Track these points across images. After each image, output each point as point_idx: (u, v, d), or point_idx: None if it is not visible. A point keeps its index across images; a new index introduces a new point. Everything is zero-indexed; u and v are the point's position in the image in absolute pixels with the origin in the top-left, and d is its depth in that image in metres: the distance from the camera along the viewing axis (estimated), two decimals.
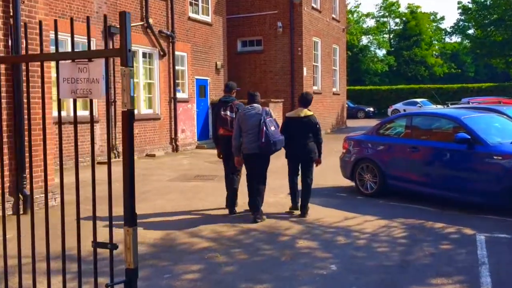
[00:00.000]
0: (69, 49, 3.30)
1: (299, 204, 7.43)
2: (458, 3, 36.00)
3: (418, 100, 34.52)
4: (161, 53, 16.12)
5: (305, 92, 7.79)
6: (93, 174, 3.19)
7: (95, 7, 13.67)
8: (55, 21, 3.10)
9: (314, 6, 22.71)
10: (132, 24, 14.85)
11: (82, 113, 13.41)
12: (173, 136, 16.69)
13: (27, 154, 7.38)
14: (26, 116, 7.20)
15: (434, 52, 61.54)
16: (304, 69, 21.54)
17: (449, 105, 12.78)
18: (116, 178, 9.94)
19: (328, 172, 10.89)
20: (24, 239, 3.25)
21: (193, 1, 17.81)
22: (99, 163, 13.48)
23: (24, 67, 6.86)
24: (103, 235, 3.80)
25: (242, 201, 7.86)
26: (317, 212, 7.61)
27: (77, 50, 3.15)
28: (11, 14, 7.47)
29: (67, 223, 3.14)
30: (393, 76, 55.49)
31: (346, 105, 29.05)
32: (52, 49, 11.79)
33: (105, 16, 3.29)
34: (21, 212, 7.11)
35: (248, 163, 7.15)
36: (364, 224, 6.76)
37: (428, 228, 6.56)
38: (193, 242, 6.01)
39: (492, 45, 30.78)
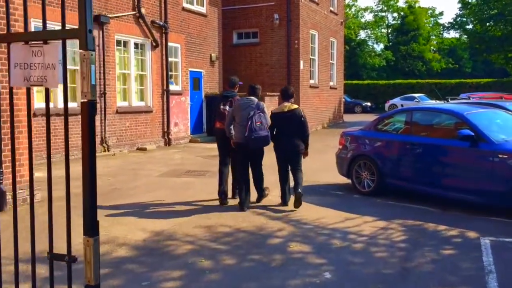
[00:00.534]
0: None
1: (291, 196, 7.44)
2: None
3: (416, 95, 34.12)
4: (154, 44, 15.65)
5: (286, 86, 7.88)
6: (67, 172, 2.75)
7: None
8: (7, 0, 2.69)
9: None
10: (123, 14, 14.41)
11: (70, 104, 12.96)
12: (165, 130, 16.26)
13: (4, 148, 6.94)
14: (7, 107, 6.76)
15: (431, 47, 61.15)
16: (301, 62, 21.09)
17: (449, 100, 12.39)
18: (108, 172, 9.53)
19: (323, 169, 10.53)
20: None
21: None
22: None
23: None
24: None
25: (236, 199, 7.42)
26: (311, 211, 7.21)
27: (32, 31, 2.72)
28: None
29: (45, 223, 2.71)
30: (390, 71, 55.11)
31: (343, 100, 28.63)
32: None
33: None
34: None
35: (237, 152, 7.40)
36: (361, 226, 6.36)
37: (429, 230, 6.17)
38: (178, 244, 5.60)
39: (491, 40, 30.36)
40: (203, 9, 18.17)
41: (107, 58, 13.85)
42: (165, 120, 16.25)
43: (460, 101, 12.06)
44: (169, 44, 16.31)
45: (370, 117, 31.49)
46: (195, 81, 17.99)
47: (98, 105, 13.62)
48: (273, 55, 21.24)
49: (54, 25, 11.80)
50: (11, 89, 2.77)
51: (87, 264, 2.56)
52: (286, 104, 7.42)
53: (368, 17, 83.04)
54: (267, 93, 18.22)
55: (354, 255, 5.18)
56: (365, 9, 64.35)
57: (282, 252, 5.30)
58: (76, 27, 2.49)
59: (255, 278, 4.57)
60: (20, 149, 7.14)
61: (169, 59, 16.36)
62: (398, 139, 7.99)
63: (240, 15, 21.62)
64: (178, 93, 16.92)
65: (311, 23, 22.19)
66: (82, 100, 2.61)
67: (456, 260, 5.04)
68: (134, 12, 14.76)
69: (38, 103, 12.05)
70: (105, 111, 13.82)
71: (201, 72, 18.27)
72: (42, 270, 4.10)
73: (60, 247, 2.86)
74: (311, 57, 22.50)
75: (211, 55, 18.67)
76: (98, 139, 13.63)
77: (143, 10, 15.01)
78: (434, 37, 64.30)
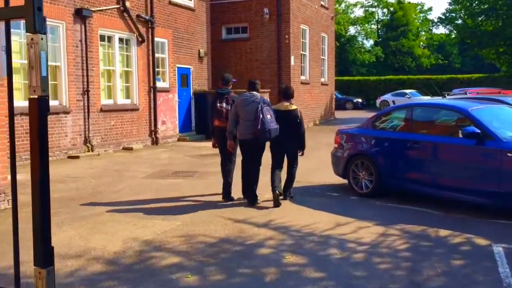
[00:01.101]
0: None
1: (280, 191, 7.31)
2: None
3: (407, 91, 33.83)
4: (139, 39, 15.06)
5: (286, 86, 8.02)
6: (14, 181, 2.24)
7: None
8: None
9: None
10: (107, 7, 13.80)
11: (52, 103, 12.35)
12: (152, 128, 15.69)
13: None
14: None
15: (421, 43, 60.98)
16: (292, 58, 20.60)
17: (446, 95, 11.97)
18: (91, 174, 8.94)
19: (317, 168, 10.05)
20: None
21: None
22: (70, 157, 12.47)
23: None
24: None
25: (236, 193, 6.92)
26: (305, 216, 6.73)
27: None
28: None
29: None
30: (380, 67, 54.88)
31: (335, 96, 28.19)
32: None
33: None
34: None
35: (243, 149, 7.37)
36: (361, 232, 5.88)
37: (434, 236, 5.71)
38: (161, 256, 5.08)
39: (482, 35, 30.09)
40: (190, 3, 17.59)
41: (90, 54, 13.25)
42: (152, 118, 15.68)
43: (458, 96, 11.67)
44: (156, 39, 15.73)
45: (362, 114, 31.28)
46: (183, 77, 17.43)
47: (81, 103, 13.02)
48: (264, 51, 20.72)
49: None
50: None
51: None
52: (285, 103, 7.49)
53: (358, 12, 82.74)
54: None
55: (356, 267, 4.70)
56: (355, 5, 64.08)
57: (276, 265, 4.80)
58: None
59: None
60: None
61: (156, 55, 15.78)
62: (398, 137, 7.52)
63: (229, 10, 21.06)
64: (166, 90, 16.36)
65: (302, 17, 21.70)
66: (31, 96, 2.09)
67: (469, 272, 4.58)
68: (118, 6, 14.16)
69: (17, 101, 11.42)
70: (88, 109, 13.23)
71: (189, 68, 17.70)
72: None
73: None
74: (302, 52, 22.01)
75: (199, 50, 18.10)
76: (81, 139, 13.05)
77: (127, 4, 14.41)
78: (423, 33, 64.19)
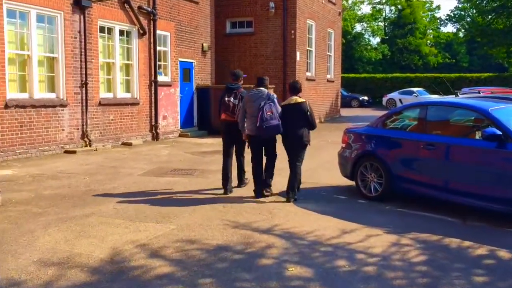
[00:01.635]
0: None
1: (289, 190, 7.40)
2: None
3: (414, 89, 33.21)
4: (141, 31, 14.59)
5: (293, 80, 8.02)
6: None
7: None
8: None
9: None
10: None
11: (48, 95, 11.92)
12: (153, 123, 15.23)
13: None
14: None
15: (428, 41, 60.24)
16: (298, 53, 20.07)
17: (459, 94, 11.44)
18: (86, 170, 8.50)
19: (323, 168, 9.58)
20: None
21: None
22: (67, 151, 12.04)
23: None
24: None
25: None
26: (311, 221, 6.26)
27: None
28: None
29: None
30: (386, 64, 54.21)
31: (340, 94, 27.65)
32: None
33: None
34: None
35: (251, 144, 7.54)
36: (371, 241, 5.40)
37: (452, 248, 5.22)
38: (152, 265, 4.62)
39: (493, 33, 29.43)
40: None
41: (89, 45, 12.79)
42: (153, 113, 15.22)
43: (472, 95, 11.16)
44: (158, 32, 15.25)
45: (368, 112, 30.71)
46: (186, 72, 16.95)
47: (79, 96, 12.57)
48: (269, 46, 20.20)
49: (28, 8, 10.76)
50: None
51: None
52: (293, 97, 7.46)
53: (365, 9, 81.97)
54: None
55: (367, 283, 4.22)
56: (362, 2, 63.28)
57: (278, 278, 4.33)
58: None
59: None
60: None
61: (158, 48, 15.31)
62: (411, 137, 7.02)
63: (234, 3, 20.53)
64: (167, 85, 15.89)
65: (308, 12, 21.16)
66: None
67: None
68: None
69: (11, 93, 11.00)
70: (86, 102, 12.77)
71: (192, 62, 17.22)
72: None
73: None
74: (308, 48, 21.49)
75: (202, 44, 17.62)
76: (79, 133, 12.61)
77: None
78: (431, 31, 63.44)
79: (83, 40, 12.58)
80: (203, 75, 17.85)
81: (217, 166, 10.59)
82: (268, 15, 19.98)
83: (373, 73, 45.09)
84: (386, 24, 61.10)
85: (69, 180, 8.71)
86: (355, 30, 57.23)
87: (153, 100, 15.17)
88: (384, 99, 33.72)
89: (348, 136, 8.08)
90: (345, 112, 27.90)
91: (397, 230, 5.81)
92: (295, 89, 7.56)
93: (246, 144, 7.72)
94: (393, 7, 61.06)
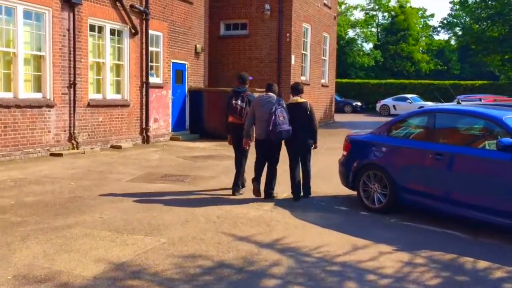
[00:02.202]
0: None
1: (299, 191, 7.67)
2: None
3: (408, 95, 32.99)
4: (133, 31, 14.10)
5: (296, 83, 8.10)
6: None
7: None
8: None
9: None
10: None
11: (34, 95, 11.39)
12: (143, 126, 14.72)
13: None
14: None
15: (420, 48, 60.24)
16: (292, 57, 19.69)
17: (460, 102, 11.11)
18: (71, 175, 7.91)
19: (320, 176, 9.15)
20: None
21: None
22: (53, 154, 11.50)
23: None
24: None
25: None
26: (313, 235, 5.81)
27: None
28: None
29: None
30: (379, 70, 54.08)
31: (335, 99, 27.30)
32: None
33: None
34: None
35: (257, 147, 7.68)
36: (380, 259, 4.97)
37: (469, 268, 4.80)
38: (139, 286, 4.15)
39: (489, 40, 29.31)
40: None
41: (78, 44, 12.27)
42: (144, 115, 14.71)
43: (476, 103, 10.82)
44: (150, 32, 14.76)
45: (361, 118, 30.41)
46: (178, 73, 16.47)
47: (67, 97, 12.05)
48: (263, 49, 19.80)
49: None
50: None
51: None
52: (295, 97, 7.65)
53: (358, 15, 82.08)
54: (256, 89, 16.71)
55: None
56: (356, 7, 63.29)
57: None
58: None
59: None
60: None
61: (150, 48, 14.82)
62: (418, 146, 6.60)
63: (229, 5, 20.13)
64: (159, 86, 15.40)
65: (304, 15, 20.79)
66: None
67: None
68: None
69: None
70: (74, 103, 12.24)
71: (185, 64, 16.75)
72: None
73: None
74: (303, 52, 21.11)
75: (196, 46, 17.16)
76: (66, 135, 12.07)
77: None
78: (423, 38, 63.51)
79: (72, 39, 12.07)
80: (196, 77, 17.39)
81: (209, 172, 10.18)
82: (263, 18, 19.59)
83: (366, 79, 44.87)
84: (379, 30, 61.08)
85: (53, 186, 8.20)
86: (348, 36, 57.08)
87: (144, 102, 14.67)
88: (378, 105, 33.47)
89: (350, 144, 7.65)
90: (338, 117, 27.57)
91: (407, 247, 5.38)
92: (297, 90, 7.73)
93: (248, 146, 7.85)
94: (386, 13, 61.08)
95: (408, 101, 32.03)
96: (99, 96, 13.30)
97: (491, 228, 6.04)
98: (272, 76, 19.44)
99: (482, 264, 4.90)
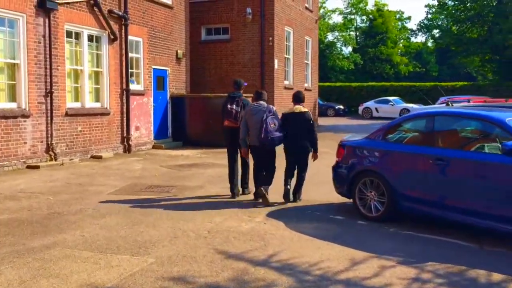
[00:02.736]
0: None
1: (291, 193, 7.77)
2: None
3: (391, 98, 33.04)
4: (111, 36, 13.63)
5: (298, 91, 8.24)
6: None
7: None
8: None
9: None
10: (74, 0, 12.35)
11: (8, 105, 10.84)
12: (125, 135, 14.23)
13: None
14: None
15: (399, 50, 60.69)
16: (276, 61, 19.39)
17: (452, 104, 10.89)
18: (49, 188, 7.32)
19: (311, 182, 8.83)
20: None
21: None
22: (29, 167, 10.95)
23: None
24: None
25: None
26: (311, 248, 5.46)
27: None
28: None
29: None
30: (358, 73, 54.27)
31: (318, 103, 27.10)
32: None
33: None
34: None
35: (253, 154, 7.95)
36: (386, 274, 4.64)
37: (482, 283, 4.49)
38: None
39: (469, 42, 29.46)
40: (168, 0, 16.23)
41: (54, 51, 11.76)
42: (125, 123, 14.23)
43: (466, 104, 10.62)
44: (130, 37, 14.31)
45: (344, 121, 30.30)
46: (159, 80, 16.03)
47: (43, 106, 11.51)
48: (246, 53, 19.46)
49: None
50: None
51: None
52: (297, 106, 7.81)
53: (337, 19, 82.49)
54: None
55: None
56: (334, 11, 63.42)
57: None
58: None
59: None
60: None
61: (130, 54, 14.36)
62: (418, 151, 6.31)
63: (210, 9, 19.76)
64: (140, 93, 14.93)
65: (286, 19, 20.54)
66: None
67: None
68: None
69: None
70: (52, 113, 11.71)
71: (166, 70, 16.32)
72: None
73: None
74: (285, 56, 20.84)
75: (177, 51, 16.74)
76: (43, 146, 11.53)
77: None
78: (402, 41, 64.03)
79: (48, 45, 11.55)
80: (177, 84, 16.96)
81: (195, 181, 9.77)
82: (245, 22, 19.26)
83: (346, 82, 44.87)
84: (357, 33, 61.40)
85: (29, 201, 7.70)
86: (327, 39, 57.19)
87: (124, 110, 14.19)
88: (360, 108, 33.45)
89: (344, 149, 7.34)
90: (321, 121, 27.37)
91: (411, 260, 5.06)
92: (299, 98, 7.92)
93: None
94: (364, 17, 61.44)
95: (390, 103, 32.07)
96: (77, 105, 12.79)
97: (494, 235, 5.77)
98: (255, 81, 19.10)
99: (495, 276, 4.60)
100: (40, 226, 6.26)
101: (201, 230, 6.16)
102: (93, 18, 13.02)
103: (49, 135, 11.68)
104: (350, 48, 59.31)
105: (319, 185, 9.03)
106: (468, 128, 6.34)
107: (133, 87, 14.58)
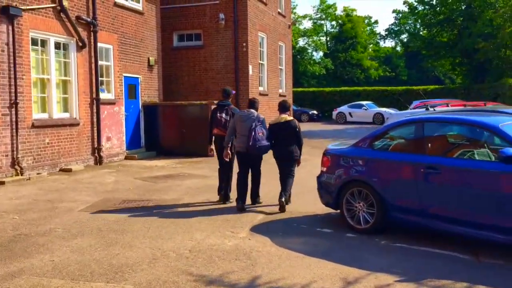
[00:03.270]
0: None
1: (283, 198, 7.75)
2: (404, 2, 34.97)
3: (364, 102, 33.11)
4: (80, 44, 13.06)
5: (283, 100, 8.47)
6: None
7: None
8: None
9: None
10: (40, 6, 11.75)
11: None
12: (95, 146, 13.64)
13: None
14: None
15: (369, 55, 61.34)
16: (250, 67, 19.06)
17: (433, 109, 10.71)
18: (15, 206, 6.44)
19: (294, 193, 8.50)
20: None
21: None
22: None
23: None
24: None
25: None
26: (301, 267, 5.09)
27: None
28: None
29: None
30: (330, 78, 54.55)
31: (292, 108, 26.89)
32: None
33: None
34: None
35: (238, 159, 8.09)
36: None
37: None
38: None
39: (439, 45, 29.77)
40: (139, 6, 15.73)
41: (19, 59, 11.14)
42: (95, 134, 13.64)
43: (447, 109, 10.46)
44: (99, 44, 13.76)
45: (319, 126, 30.17)
46: (131, 88, 15.49)
47: (7, 118, 10.87)
48: (219, 59, 19.07)
49: None
50: None
51: None
52: (283, 116, 8.04)
53: (307, 24, 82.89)
54: (214, 101, 15.92)
55: None
56: (304, 17, 63.74)
57: None
58: None
59: None
60: None
61: (99, 62, 13.80)
62: (408, 160, 6.04)
63: (181, 15, 19.32)
64: (111, 102, 14.37)
65: (260, 24, 20.26)
66: None
67: None
68: (54, 5, 12.13)
69: None
70: (17, 125, 11.06)
71: (138, 78, 15.79)
72: None
73: None
74: (260, 62, 20.54)
75: (149, 58, 16.24)
76: (8, 160, 10.87)
77: (65, 3, 12.39)
78: (371, 46, 64.77)
79: (12, 54, 10.93)
80: (150, 92, 16.45)
81: (172, 193, 9.32)
82: (218, 28, 18.89)
83: (318, 87, 44.93)
84: (328, 38, 61.81)
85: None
86: (298, 45, 57.34)
87: (95, 120, 13.61)
88: (334, 113, 33.42)
89: (329, 158, 7.02)
90: None
91: (409, 276, 4.76)
92: (285, 108, 8.15)
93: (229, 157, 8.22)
94: (334, 22, 61.92)
95: (364, 108, 32.13)
96: (44, 116, 12.16)
97: (489, 246, 5.53)
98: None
99: None
100: (5, 250, 5.73)
101: (181, 249, 5.73)
102: (60, 25, 12.44)
103: (14, 148, 11.03)
104: (321, 53, 59.66)
105: (301, 195, 8.72)
106: (460, 134, 6.11)
107: (103, 96, 14.02)
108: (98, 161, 13.64)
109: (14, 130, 11.02)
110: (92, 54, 13.55)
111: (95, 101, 13.58)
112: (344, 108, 33.13)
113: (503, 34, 27.44)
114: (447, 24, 29.82)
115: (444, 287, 4.51)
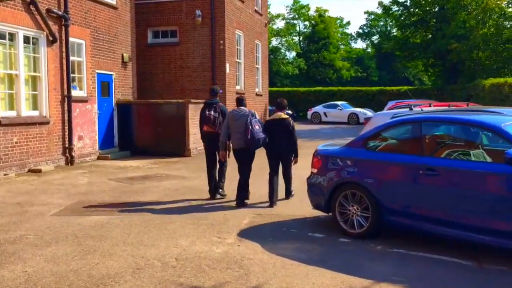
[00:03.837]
0: None
1: (276, 198, 8.04)
2: (379, 3, 35.13)
3: (339, 102, 33.07)
4: (50, 38, 12.42)
5: (280, 99, 8.69)
6: None
7: None
8: None
9: None
10: None
11: None
12: (66, 145, 13.01)
13: None
14: None
15: (341, 56, 61.70)
16: (227, 65, 18.65)
17: (422, 109, 10.47)
18: None
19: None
20: None
21: None
22: None
23: None
24: None
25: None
26: (300, 278, 4.74)
27: None
28: None
29: None
30: (303, 78, 54.58)
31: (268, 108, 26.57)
32: None
33: None
34: None
35: (236, 157, 8.24)
36: None
37: None
38: None
39: (413, 47, 29.98)
40: (112, 0, 15.13)
41: None
42: (66, 133, 13.00)
43: (430, 109, 10.27)
44: (71, 39, 13.13)
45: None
46: (104, 85, 14.89)
47: None
48: (196, 57, 18.60)
49: None
50: None
51: None
52: (279, 113, 8.30)
53: (280, 24, 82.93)
54: (191, 100, 15.53)
55: None
56: (277, 16, 63.64)
57: None
58: None
59: None
60: None
61: (71, 58, 13.17)
62: (405, 161, 5.76)
63: (156, 11, 18.76)
64: (83, 100, 13.75)
65: (237, 22, 19.86)
66: None
67: None
68: None
69: None
70: None
71: (111, 75, 15.19)
72: None
73: None
74: (237, 60, 20.15)
75: (123, 55, 15.66)
76: None
77: None
78: (343, 47, 65.19)
79: None
80: (124, 89, 15.86)
81: (150, 196, 8.87)
82: (194, 24, 18.41)
83: (292, 87, 44.80)
84: (301, 39, 61.90)
85: None
86: (271, 44, 57.21)
87: (66, 118, 12.98)
88: (309, 113, 33.28)
89: (320, 159, 6.70)
90: None
91: (412, 286, 4.47)
92: (281, 106, 8.40)
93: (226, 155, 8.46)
94: (307, 22, 62.06)
95: (339, 108, 32.09)
96: (12, 113, 11.49)
97: (489, 251, 5.31)
98: (206, 86, 18.20)
99: None
100: None
101: (167, 257, 5.31)
102: (29, 18, 11.78)
103: None
104: (294, 53, 59.70)
105: (291, 198, 8.39)
106: (459, 134, 5.87)
107: (75, 93, 13.39)
108: (70, 161, 13.02)
109: None
110: (64, 49, 12.92)
111: (66, 99, 12.96)
112: (319, 108, 33.02)
113: (476, 36, 27.82)
114: (421, 25, 30.06)
115: None
